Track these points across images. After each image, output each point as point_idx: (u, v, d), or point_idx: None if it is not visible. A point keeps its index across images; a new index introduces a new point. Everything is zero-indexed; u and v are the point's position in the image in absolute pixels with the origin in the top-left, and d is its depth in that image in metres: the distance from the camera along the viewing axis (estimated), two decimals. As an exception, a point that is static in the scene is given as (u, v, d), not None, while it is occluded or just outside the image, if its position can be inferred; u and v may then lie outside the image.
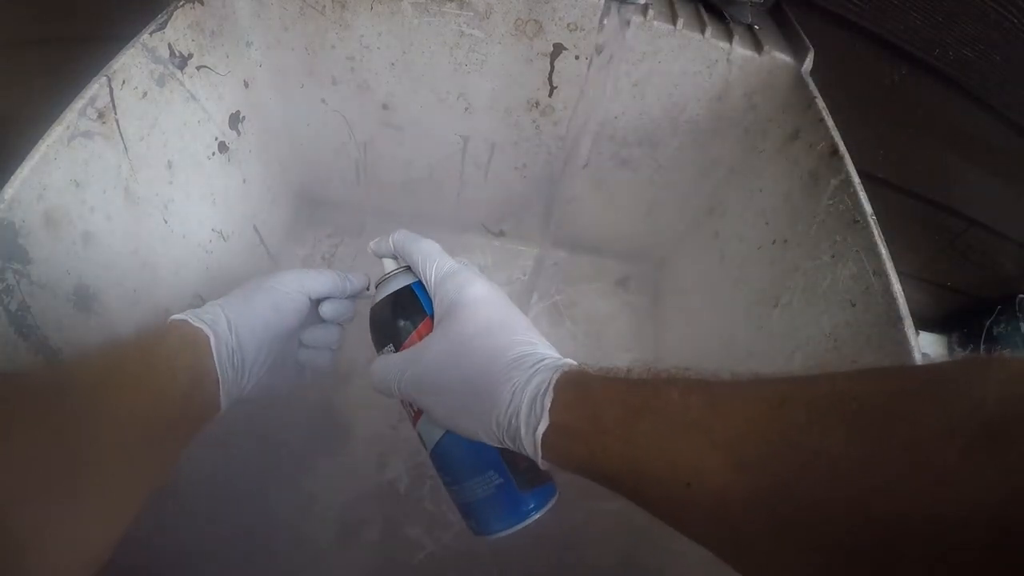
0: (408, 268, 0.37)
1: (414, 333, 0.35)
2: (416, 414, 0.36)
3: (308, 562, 0.51)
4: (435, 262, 0.35)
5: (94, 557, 0.25)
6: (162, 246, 0.45)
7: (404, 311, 0.36)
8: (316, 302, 0.40)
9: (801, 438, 0.20)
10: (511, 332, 0.32)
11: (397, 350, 0.35)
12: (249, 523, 0.51)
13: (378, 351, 0.37)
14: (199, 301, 0.50)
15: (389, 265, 0.38)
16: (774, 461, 0.20)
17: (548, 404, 0.27)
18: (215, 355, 0.33)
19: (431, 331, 0.34)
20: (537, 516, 0.33)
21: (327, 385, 0.61)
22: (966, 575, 0.15)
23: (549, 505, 0.34)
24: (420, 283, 0.36)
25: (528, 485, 0.33)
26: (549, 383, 0.28)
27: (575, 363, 0.30)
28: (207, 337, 0.33)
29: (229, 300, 0.36)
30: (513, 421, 0.28)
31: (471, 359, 0.31)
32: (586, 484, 0.33)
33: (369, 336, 0.38)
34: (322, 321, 0.41)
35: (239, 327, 0.34)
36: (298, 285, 0.38)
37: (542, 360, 0.30)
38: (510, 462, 0.33)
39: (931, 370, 0.20)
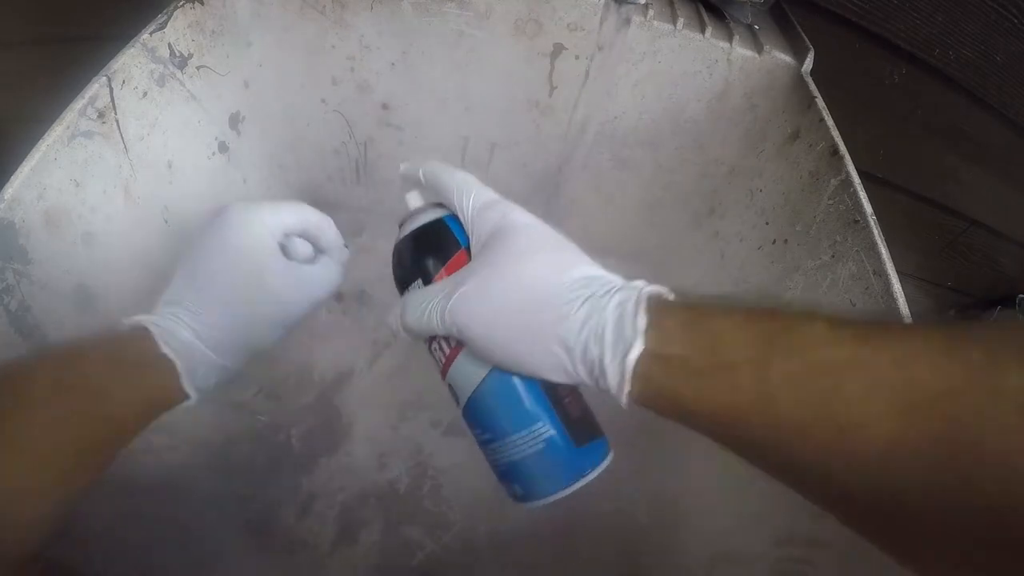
0: (438, 205, 0.32)
1: (447, 266, 0.30)
2: (448, 359, 0.30)
3: (308, 562, 0.51)
4: (472, 192, 0.30)
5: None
6: (162, 246, 0.45)
7: (436, 243, 0.31)
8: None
9: (980, 376, 0.17)
10: (573, 251, 0.27)
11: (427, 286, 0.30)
12: (249, 523, 0.51)
13: (402, 292, 0.32)
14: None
15: (415, 201, 0.33)
16: (951, 402, 0.17)
17: (643, 325, 0.22)
18: (183, 376, 0.28)
19: (468, 262, 0.29)
20: (592, 476, 0.28)
21: (327, 385, 0.61)
22: None
23: (605, 464, 0.29)
24: (452, 216, 0.31)
25: (582, 438, 0.28)
26: (638, 301, 0.23)
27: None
28: (173, 362, 0.27)
29: (189, 299, 0.30)
30: (592, 345, 0.23)
31: (532, 271, 0.26)
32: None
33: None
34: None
35: (204, 322, 0.29)
36: (258, 232, 0.31)
37: (614, 280, 0.25)
38: (561, 411, 0.28)
39: None
